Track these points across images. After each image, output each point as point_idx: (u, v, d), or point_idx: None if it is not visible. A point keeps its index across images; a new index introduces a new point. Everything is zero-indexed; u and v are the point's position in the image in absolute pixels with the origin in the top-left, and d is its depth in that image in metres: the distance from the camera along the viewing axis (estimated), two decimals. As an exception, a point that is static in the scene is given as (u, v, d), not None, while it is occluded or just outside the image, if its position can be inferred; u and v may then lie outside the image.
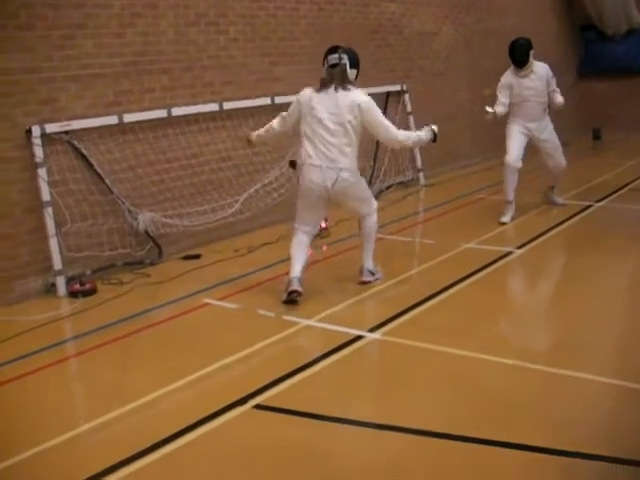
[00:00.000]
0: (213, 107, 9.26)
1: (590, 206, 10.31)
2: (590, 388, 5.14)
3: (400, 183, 12.23)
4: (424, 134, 7.23)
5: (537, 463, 4.27)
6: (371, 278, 7.47)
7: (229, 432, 4.78)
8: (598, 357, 5.67)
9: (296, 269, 7.00)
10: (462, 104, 13.91)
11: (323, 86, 6.94)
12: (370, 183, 11.62)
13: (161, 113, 8.61)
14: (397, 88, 12.36)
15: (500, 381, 5.31)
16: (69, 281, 7.67)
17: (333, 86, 6.88)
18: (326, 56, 7.01)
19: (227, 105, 9.41)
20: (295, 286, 6.88)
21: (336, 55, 6.93)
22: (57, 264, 7.58)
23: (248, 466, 4.38)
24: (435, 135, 7.23)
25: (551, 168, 10.07)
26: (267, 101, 9.90)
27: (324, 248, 8.91)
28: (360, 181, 7.26)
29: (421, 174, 12.66)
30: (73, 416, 5.18)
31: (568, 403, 4.94)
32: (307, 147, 6.95)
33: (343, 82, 6.90)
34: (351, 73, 6.98)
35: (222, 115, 9.41)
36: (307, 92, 7.02)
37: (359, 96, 6.89)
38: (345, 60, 6.92)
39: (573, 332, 6.25)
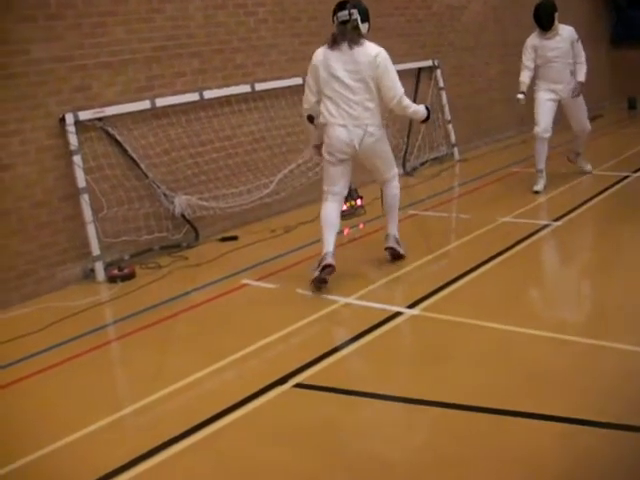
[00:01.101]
0: (245, 89, 9.25)
1: (627, 177, 10.19)
2: (628, 359, 5.10)
3: (435, 159, 12.18)
4: (421, 108, 7.14)
5: (573, 433, 4.24)
6: (396, 245, 7.36)
7: (270, 411, 4.80)
8: (636, 328, 5.61)
9: (329, 243, 6.90)
10: (494, 78, 13.81)
11: (335, 43, 6.78)
12: (404, 160, 11.61)
13: (193, 96, 8.62)
14: (429, 64, 12.27)
15: (538, 354, 5.27)
16: (108, 266, 7.73)
17: (346, 43, 6.72)
18: (335, 12, 6.82)
19: (259, 86, 9.40)
20: (329, 260, 6.77)
21: (345, 12, 6.74)
22: (95, 250, 7.65)
23: (290, 444, 4.40)
24: (429, 113, 7.17)
25: (576, 132, 10.12)
26: (299, 81, 9.85)
27: (361, 226, 8.92)
28: (385, 138, 7.13)
29: (455, 149, 12.59)
30: (117, 398, 5.26)
31: (605, 375, 4.90)
32: (329, 107, 6.85)
33: (356, 38, 6.74)
34: (363, 27, 6.82)
35: (254, 96, 9.40)
36: (320, 52, 6.88)
37: (375, 49, 6.77)
38: (356, 15, 6.73)
39: (611, 304, 6.19)
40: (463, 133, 12.56)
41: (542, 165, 9.81)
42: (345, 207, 9.13)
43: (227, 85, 9.07)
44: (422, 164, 11.87)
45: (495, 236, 8.05)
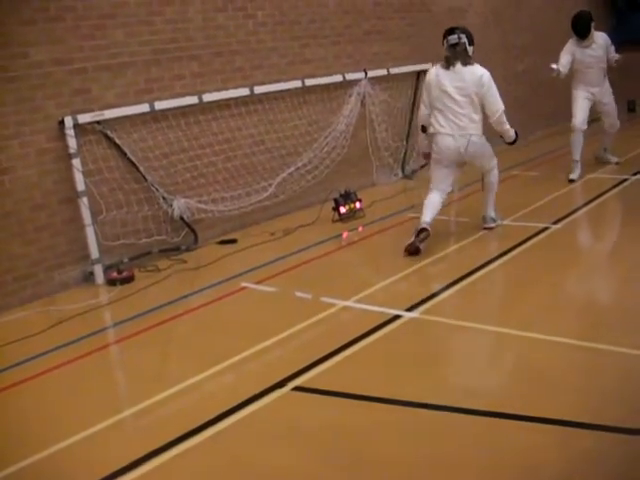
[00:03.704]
0: (244, 92, 9.24)
1: (626, 179, 10.19)
2: (625, 362, 5.09)
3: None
4: (513, 131, 8.03)
5: (570, 436, 4.25)
6: (493, 224, 8.37)
7: (269, 414, 4.80)
8: (633, 331, 5.57)
9: (426, 215, 7.77)
10: (496, 81, 13.75)
11: (448, 63, 7.77)
12: (404, 163, 11.62)
13: (192, 99, 8.62)
14: (428, 67, 12.21)
15: (536, 357, 5.26)
16: (107, 269, 7.74)
17: (458, 63, 7.71)
18: (445, 36, 7.80)
19: (258, 89, 9.39)
20: (424, 225, 7.64)
21: (455, 35, 7.74)
22: (94, 253, 7.65)
23: (289, 447, 4.40)
24: (517, 138, 8.12)
25: (606, 128, 10.98)
26: (298, 84, 9.88)
27: (360, 229, 8.91)
28: (486, 142, 8.01)
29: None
30: (117, 401, 5.24)
31: (602, 377, 4.90)
32: (439, 118, 7.81)
33: (466, 59, 7.74)
34: (470, 50, 7.78)
35: (253, 99, 9.41)
36: (433, 71, 7.93)
37: (480, 69, 7.76)
38: (464, 39, 7.72)
39: (608, 306, 6.23)
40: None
41: (578, 156, 10.53)
42: (344, 210, 9.19)
43: (226, 88, 9.07)
44: (421, 167, 11.82)
45: (494, 239, 8.06)
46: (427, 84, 7.95)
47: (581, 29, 10.27)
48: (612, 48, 10.54)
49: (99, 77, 7.79)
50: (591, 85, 10.50)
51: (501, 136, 8.07)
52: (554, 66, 10.18)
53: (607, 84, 10.65)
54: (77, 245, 7.65)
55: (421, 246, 7.57)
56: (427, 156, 8.31)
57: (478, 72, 7.72)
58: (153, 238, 8.26)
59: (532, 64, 14.35)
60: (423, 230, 7.62)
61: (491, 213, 8.39)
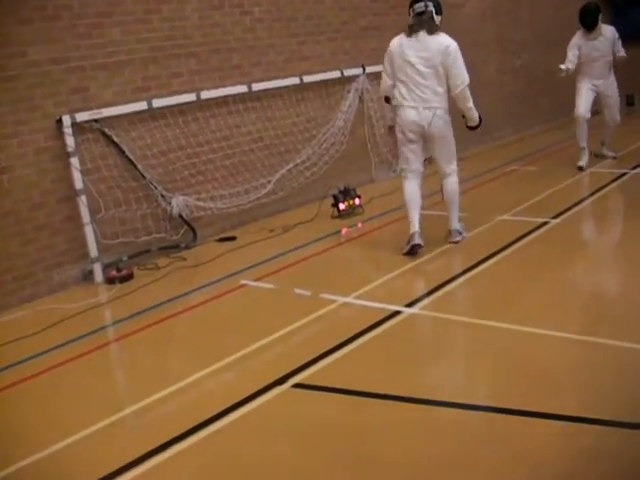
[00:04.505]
0: (242, 89, 9.24)
1: (625, 173, 10.19)
2: (626, 357, 5.08)
3: (431, 158, 12.12)
4: (476, 113, 7.72)
5: (572, 431, 4.25)
6: (459, 237, 7.92)
7: (269, 411, 4.80)
8: (634, 326, 5.56)
9: (415, 223, 7.54)
10: (492, 75, 13.77)
11: (412, 32, 7.40)
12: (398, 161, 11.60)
13: (190, 97, 8.62)
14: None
15: (536, 352, 5.26)
16: (106, 268, 7.74)
17: (423, 32, 7.34)
18: (412, 5, 7.44)
19: (256, 86, 9.39)
20: (417, 240, 7.43)
21: (422, 3, 7.36)
22: (93, 251, 7.65)
23: (289, 444, 4.40)
24: (480, 123, 7.85)
25: (607, 120, 10.97)
26: (296, 81, 9.88)
27: (359, 225, 8.92)
28: (450, 126, 7.68)
29: (453, 148, 12.55)
30: (117, 399, 5.24)
31: (604, 372, 4.88)
32: (402, 90, 7.48)
33: (432, 28, 7.36)
34: (437, 19, 7.41)
35: (251, 96, 9.40)
36: (396, 41, 7.54)
37: (448, 39, 7.40)
38: (431, 7, 7.36)
39: (609, 301, 6.22)
40: (460, 131, 12.51)
41: (584, 143, 10.64)
42: (343, 206, 9.19)
43: (224, 85, 9.06)
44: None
45: (493, 234, 8.04)
46: (389, 53, 7.56)
47: (588, 21, 10.30)
48: (619, 42, 10.54)
49: (96, 75, 7.78)
50: (596, 78, 10.54)
51: (463, 116, 7.77)
52: (563, 66, 10.23)
53: (612, 77, 10.71)
54: (76, 244, 7.65)
55: (419, 250, 7.48)
56: (392, 129, 7.93)
57: (445, 42, 7.35)
58: (152, 236, 8.25)
59: (530, 59, 14.35)
60: (415, 246, 7.44)
61: (456, 225, 7.95)
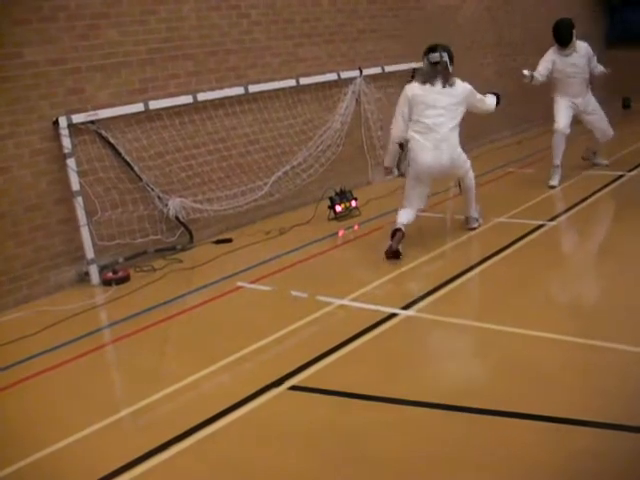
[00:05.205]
0: (238, 91, 9.22)
1: (622, 176, 10.19)
2: (623, 359, 5.08)
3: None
4: (493, 101, 8.29)
5: (568, 433, 4.24)
6: (476, 224, 8.33)
7: (266, 414, 4.79)
8: (632, 329, 5.58)
9: (402, 218, 7.70)
10: (489, 78, 13.77)
11: (428, 80, 7.71)
12: (400, 161, 11.57)
13: (187, 99, 8.61)
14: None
15: (533, 354, 5.27)
16: (102, 269, 7.73)
17: (439, 81, 7.67)
18: (427, 53, 7.79)
19: (252, 88, 9.37)
20: (400, 225, 7.59)
21: (437, 54, 7.72)
22: (89, 253, 7.64)
23: (285, 446, 4.40)
24: (499, 98, 8.36)
25: (599, 138, 10.52)
26: (292, 83, 9.87)
27: (356, 227, 8.91)
28: (462, 151, 7.93)
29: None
30: (113, 401, 5.24)
31: (600, 375, 4.89)
32: (418, 132, 7.64)
33: (447, 78, 7.70)
34: (451, 68, 7.76)
35: (248, 98, 9.39)
36: (414, 86, 7.79)
37: (462, 86, 7.79)
38: (445, 58, 7.72)
39: (606, 304, 6.21)
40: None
41: (559, 160, 10.13)
42: (340, 209, 9.19)
43: (221, 87, 9.05)
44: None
45: (490, 237, 8.05)
46: (406, 97, 7.76)
47: (562, 36, 10.00)
48: (594, 59, 10.23)
49: (93, 77, 7.77)
50: (573, 96, 10.14)
51: None
52: (526, 72, 9.95)
53: (590, 94, 10.29)
54: (72, 245, 7.64)
55: (400, 248, 7.47)
56: (388, 170, 8.20)
57: (462, 90, 7.77)
58: (148, 238, 8.24)
59: (524, 62, 14.32)
60: (397, 230, 7.53)
61: (474, 213, 8.34)
